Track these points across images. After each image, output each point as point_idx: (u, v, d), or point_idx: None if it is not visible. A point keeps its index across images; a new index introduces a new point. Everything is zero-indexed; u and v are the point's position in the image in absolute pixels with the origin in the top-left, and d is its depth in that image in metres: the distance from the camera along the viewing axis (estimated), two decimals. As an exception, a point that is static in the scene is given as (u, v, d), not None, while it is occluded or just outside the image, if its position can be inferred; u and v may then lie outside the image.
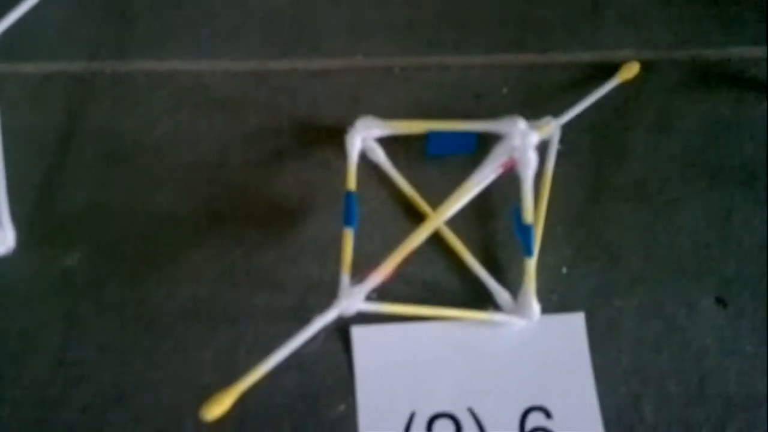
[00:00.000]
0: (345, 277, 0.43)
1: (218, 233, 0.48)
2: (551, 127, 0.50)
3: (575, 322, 0.47)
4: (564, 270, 0.48)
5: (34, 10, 0.51)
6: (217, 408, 0.38)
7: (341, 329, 0.46)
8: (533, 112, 0.49)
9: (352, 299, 0.42)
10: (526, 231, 0.44)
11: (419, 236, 0.44)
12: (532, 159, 0.42)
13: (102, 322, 0.46)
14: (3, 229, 0.46)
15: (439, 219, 0.46)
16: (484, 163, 0.43)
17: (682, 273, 0.48)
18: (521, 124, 0.43)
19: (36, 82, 0.51)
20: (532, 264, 0.45)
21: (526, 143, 0.41)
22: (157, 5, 0.53)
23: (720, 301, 0.48)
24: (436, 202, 0.47)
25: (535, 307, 0.45)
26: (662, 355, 0.46)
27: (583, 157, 0.51)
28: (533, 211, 0.44)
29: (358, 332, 0.46)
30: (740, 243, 0.49)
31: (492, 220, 0.49)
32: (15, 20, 0.50)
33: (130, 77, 0.51)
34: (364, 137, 0.49)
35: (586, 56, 0.54)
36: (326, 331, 0.43)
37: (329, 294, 0.42)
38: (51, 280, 0.47)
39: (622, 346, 0.46)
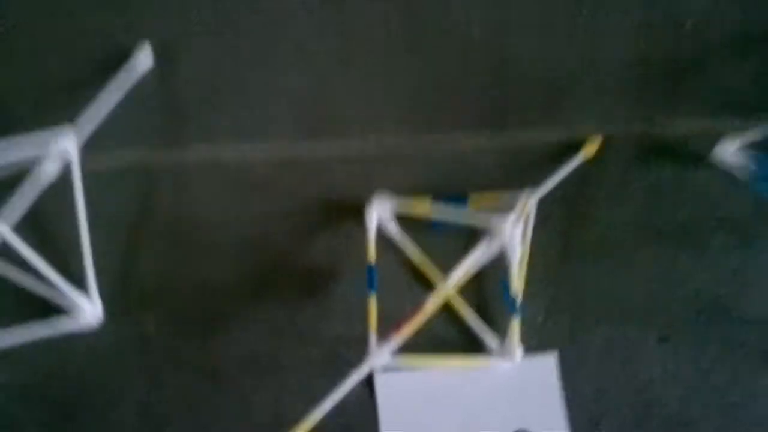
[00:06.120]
0: (373, 337, 0.54)
1: (265, 297, 0.59)
2: (530, 205, 0.60)
3: (549, 361, 0.59)
4: (539, 319, 0.60)
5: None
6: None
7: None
8: (517, 183, 0.60)
9: (380, 356, 0.53)
10: (512, 300, 0.55)
11: (432, 304, 0.56)
12: (517, 249, 0.53)
13: (176, 378, 0.58)
14: (94, 304, 0.55)
15: (446, 289, 0.58)
16: (478, 249, 0.55)
17: (633, 316, 0.61)
18: (508, 222, 0.53)
19: (109, 175, 0.59)
20: (516, 321, 0.57)
21: (514, 238, 0.53)
22: (203, 98, 0.60)
23: (663, 339, 0.60)
24: (441, 262, 0.59)
25: (518, 351, 0.58)
26: (617, 384, 0.59)
27: (554, 225, 0.62)
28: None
29: (380, 379, 0.58)
30: (680, 291, 0.62)
31: (485, 281, 0.61)
32: (101, 120, 0.57)
33: (185, 165, 0.60)
34: (380, 214, 0.60)
35: (556, 135, 0.63)
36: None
37: (356, 346, 0.55)
38: (131, 343, 0.58)
39: (586, 378, 0.59)
